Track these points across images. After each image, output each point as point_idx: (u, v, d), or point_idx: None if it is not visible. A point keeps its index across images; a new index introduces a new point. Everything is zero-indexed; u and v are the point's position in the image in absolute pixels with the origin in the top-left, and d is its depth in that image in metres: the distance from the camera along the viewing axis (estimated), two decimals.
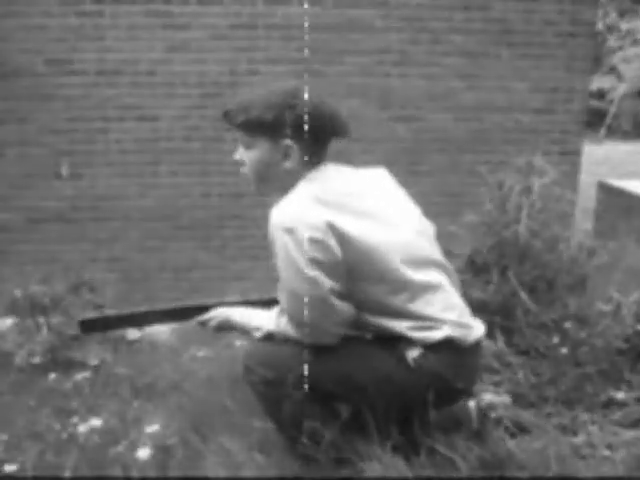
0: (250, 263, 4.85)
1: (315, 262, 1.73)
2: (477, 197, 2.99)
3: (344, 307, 1.82)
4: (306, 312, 1.78)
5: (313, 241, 1.72)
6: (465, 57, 4.74)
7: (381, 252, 1.80)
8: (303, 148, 1.86)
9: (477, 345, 1.93)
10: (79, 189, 4.75)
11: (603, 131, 15.99)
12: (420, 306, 1.83)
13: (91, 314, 2.06)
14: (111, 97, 4.64)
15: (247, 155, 1.91)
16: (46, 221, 4.77)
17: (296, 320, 1.83)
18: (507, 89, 4.82)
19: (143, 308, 2.03)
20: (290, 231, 1.73)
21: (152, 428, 2.28)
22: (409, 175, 4.52)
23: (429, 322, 1.83)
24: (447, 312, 1.87)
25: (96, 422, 2.15)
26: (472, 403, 2.14)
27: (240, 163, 1.94)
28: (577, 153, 4.95)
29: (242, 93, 1.96)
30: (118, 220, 4.82)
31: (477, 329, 1.94)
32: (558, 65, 4.81)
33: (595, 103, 13.99)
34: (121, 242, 4.85)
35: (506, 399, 2.24)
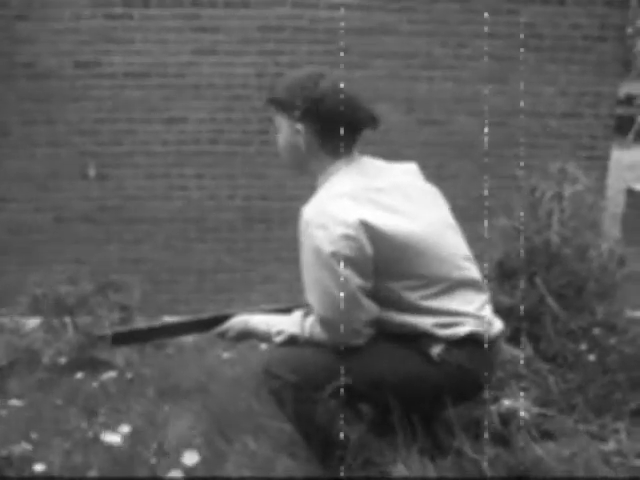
0: (276, 265, 4.86)
1: (346, 259, 1.72)
2: (504, 201, 2.96)
3: (371, 306, 1.81)
4: (336, 310, 1.77)
5: (345, 238, 1.71)
6: (492, 61, 4.71)
7: (412, 248, 1.80)
8: (313, 133, 1.87)
9: (496, 340, 1.95)
10: (106, 190, 4.79)
11: (632, 136, 15.80)
12: (446, 301, 1.84)
13: (122, 328, 2.08)
14: (139, 99, 4.68)
15: (277, 137, 1.95)
16: (73, 221, 4.82)
17: (326, 319, 1.80)
18: (534, 93, 4.78)
19: (171, 320, 2.05)
20: (322, 227, 1.72)
21: (178, 429, 2.28)
22: (435, 179, 4.49)
23: (453, 317, 1.83)
24: (470, 306, 1.88)
25: (125, 429, 2.16)
26: (493, 407, 2.14)
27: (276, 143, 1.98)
28: (605, 158, 4.90)
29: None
30: (144, 221, 4.85)
31: (496, 325, 1.96)
32: (586, 69, 4.77)
33: (624, 109, 13.84)
34: (147, 243, 4.88)
35: (525, 402, 2.23)
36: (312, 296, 1.82)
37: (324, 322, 1.82)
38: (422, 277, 1.82)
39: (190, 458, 2.06)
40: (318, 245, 1.73)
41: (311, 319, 1.87)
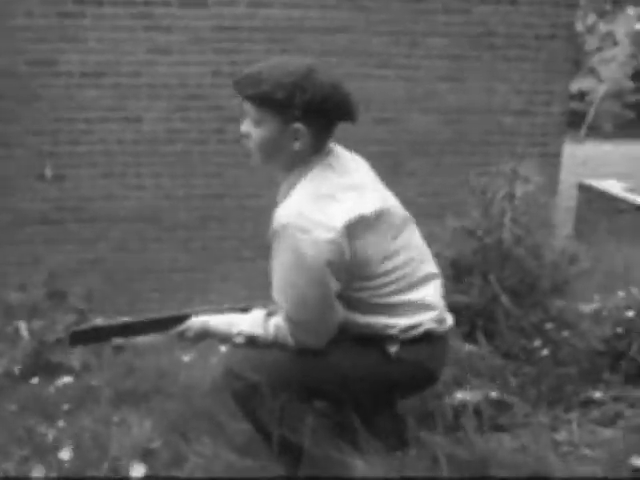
0: (233, 264, 4.86)
1: (328, 263, 1.72)
2: (460, 198, 3.01)
3: (340, 308, 1.83)
4: (309, 313, 1.78)
5: (328, 242, 1.70)
6: (446, 59, 4.78)
7: (390, 241, 1.83)
8: (312, 132, 1.79)
9: (447, 334, 2.01)
10: (63, 190, 4.74)
11: (584, 132, 16.14)
12: (412, 294, 1.88)
13: (79, 327, 2.04)
14: (95, 98, 4.63)
15: (255, 131, 1.82)
16: (30, 223, 4.76)
17: (298, 321, 1.80)
18: (488, 91, 4.86)
19: (131, 318, 2.01)
20: (303, 230, 1.70)
21: (136, 432, 2.28)
22: (391, 176, 4.51)
23: (415, 313, 1.88)
24: (432, 297, 1.93)
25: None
26: (446, 400, 2.19)
27: (245, 136, 1.86)
28: (557, 155, 5.00)
29: (256, 63, 1.83)
30: (102, 221, 4.81)
31: (448, 319, 2.02)
32: (538, 67, 4.86)
33: (576, 104, 14.14)
34: (104, 243, 4.85)
35: (477, 396, 2.27)
36: (284, 298, 1.80)
37: (296, 324, 1.81)
38: (392, 271, 1.84)
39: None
40: (298, 248, 1.71)
41: (276, 320, 1.86)
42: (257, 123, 1.82)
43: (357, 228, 1.75)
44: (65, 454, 2.14)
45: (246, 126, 1.86)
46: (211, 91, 4.63)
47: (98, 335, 1.99)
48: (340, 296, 1.82)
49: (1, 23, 4.46)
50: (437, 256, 2.25)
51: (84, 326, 2.03)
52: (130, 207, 4.80)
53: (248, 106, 1.82)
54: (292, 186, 1.84)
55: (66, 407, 2.60)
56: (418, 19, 4.66)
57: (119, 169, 4.76)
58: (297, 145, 1.81)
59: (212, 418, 2.30)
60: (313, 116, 1.77)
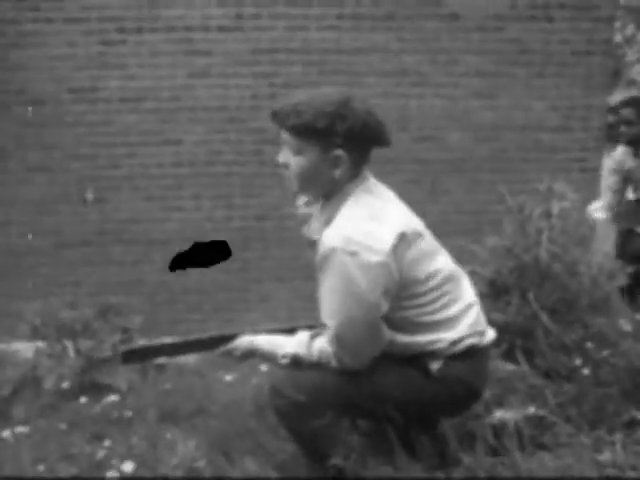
0: (273, 284, 4.90)
1: (378, 286, 1.76)
2: (497, 216, 3.01)
3: (386, 330, 1.86)
4: (357, 336, 1.81)
5: (378, 265, 1.74)
6: (482, 77, 4.78)
7: (428, 262, 1.87)
8: (352, 158, 1.85)
9: (488, 348, 2.03)
10: (104, 213, 4.83)
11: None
12: (453, 311, 1.92)
13: (131, 346, 2.11)
14: (134, 123, 4.73)
15: (294, 160, 1.87)
16: (72, 245, 4.85)
17: (347, 343, 1.82)
18: (525, 108, 4.85)
19: (178, 338, 2.07)
20: (352, 254, 1.73)
21: (180, 450, 2.31)
22: (428, 194, 4.53)
23: (457, 329, 1.91)
24: (471, 324, 1.95)
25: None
26: (486, 419, 2.19)
27: (283, 166, 1.91)
28: (597, 170, 4.95)
29: (291, 94, 1.89)
30: (142, 244, 4.88)
31: (489, 334, 2.03)
32: (575, 83, 4.84)
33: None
34: (145, 265, 4.92)
35: (517, 414, 2.27)
36: (333, 321, 1.82)
37: (343, 347, 1.84)
38: (436, 288, 1.88)
39: None
40: (347, 272, 1.74)
41: (320, 342, 1.89)
42: (297, 152, 1.86)
43: (402, 248, 1.79)
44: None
45: (284, 156, 1.90)
46: (250, 113, 4.69)
47: (148, 354, 2.06)
48: (385, 317, 1.84)
49: (44, 53, 4.59)
50: (474, 274, 2.26)
51: (134, 346, 2.09)
52: (171, 229, 4.87)
53: (287, 136, 1.86)
54: (333, 212, 1.88)
55: (113, 426, 2.65)
56: (453, 37, 4.68)
57: (159, 192, 4.83)
58: (337, 172, 1.86)
59: (254, 436, 2.33)
60: (353, 143, 1.83)
